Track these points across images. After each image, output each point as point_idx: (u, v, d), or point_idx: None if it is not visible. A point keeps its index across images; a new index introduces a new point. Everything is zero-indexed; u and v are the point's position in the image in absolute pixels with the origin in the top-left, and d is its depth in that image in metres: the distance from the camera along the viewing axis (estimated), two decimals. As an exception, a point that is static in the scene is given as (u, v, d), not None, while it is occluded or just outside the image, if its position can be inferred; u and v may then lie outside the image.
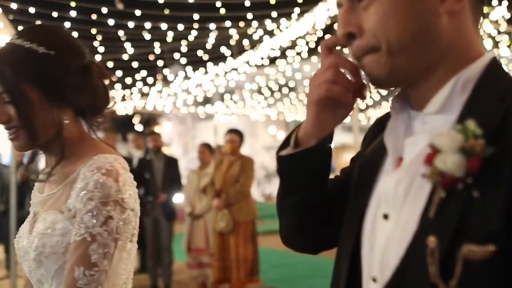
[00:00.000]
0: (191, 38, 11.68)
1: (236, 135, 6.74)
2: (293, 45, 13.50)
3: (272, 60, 15.16)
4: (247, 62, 14.16)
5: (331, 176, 1.20)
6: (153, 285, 7.27)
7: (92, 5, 9.51)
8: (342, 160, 25.35)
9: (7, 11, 7.69)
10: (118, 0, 9.38)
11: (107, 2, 9.74)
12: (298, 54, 14.32)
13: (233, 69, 14.87)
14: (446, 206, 0.81)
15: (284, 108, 21.45)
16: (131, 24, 10.21)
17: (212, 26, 11.21)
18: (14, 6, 7.91)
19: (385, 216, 0.94)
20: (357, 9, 0.94)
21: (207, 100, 20.70)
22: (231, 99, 20.31)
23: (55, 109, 1.41)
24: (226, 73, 15.22)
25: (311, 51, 14.46)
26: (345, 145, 24.60)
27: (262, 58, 13.92)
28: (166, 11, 10.19)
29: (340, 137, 24.61)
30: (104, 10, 9.56)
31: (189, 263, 7.18)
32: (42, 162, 1.61)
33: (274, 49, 13.49)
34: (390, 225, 0.92)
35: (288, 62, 15.51)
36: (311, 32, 12.75)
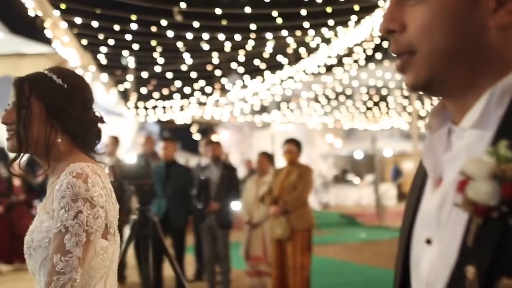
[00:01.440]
0: (248, 47, 11.78)
1: (294, 145, 6.66)
2: (350, 53, 13.41)
3: (329, 68, 15.09)
4: (304, 71, 14.15)
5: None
6: (211, 292, 7.32)
7: (152, 18, 9.74)
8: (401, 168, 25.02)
9: (72, 25, 8.01)
10: (176, 12, 9.55)
11: (166, 14, 9.95)
12: (355, 61, 14.22)
13: (290, 77, 14.89)
14: (484, 234, 0.77)
15: (341, 116, 21.29)
16: (189, 36, 10.39)
17: (269, 35, 11.26)
18: (78, 20, 8.20)
19: (428, 241, 0.90)
20: (406, 4, 0.89)
21: (263, 109, 20.77)
22: (288, 107, 20.28)
23: (51, 128, 1.69)
24: (282, 81, 15.25)
25: (369, 58, 14.33)
26: (404, 152, 24.25)
27: (318, 66, 13.88)
28: (224, 22, 10.32)
29: (399, 145, 24.25)
30: (164, 22, 9.77)
31: (248, 271, 7.17)
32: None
33: (330, 57, 13.44)
34: (433, 251, 0.88)
35: (345, 69, 15.38)
36: (368, 39, 12.63)
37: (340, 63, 14.49)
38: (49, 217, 1.61)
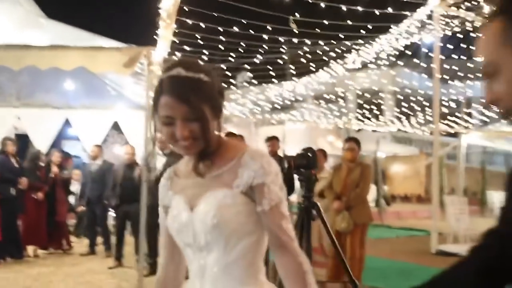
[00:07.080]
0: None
1: (355, 143, 7.10)
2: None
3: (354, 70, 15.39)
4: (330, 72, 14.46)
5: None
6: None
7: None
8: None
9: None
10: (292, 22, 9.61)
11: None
12: (379, 66, 14.58)
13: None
14: None
15: (352, 117, 21.18)
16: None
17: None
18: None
19: None
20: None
21: (285, 107, 20.73)
22: (304, 107, 20.20)
23: (217, 124, 1.70)
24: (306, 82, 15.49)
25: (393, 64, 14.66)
26: (396, 155, 24.29)
27: (346, 70, 14.23)
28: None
29: (391, 148, 24.28)
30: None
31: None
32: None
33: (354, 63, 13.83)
34: None
35: (368, 73, 15.69)
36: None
37: (365, 67, 14.85)
38: (233, 193, 1.65)
